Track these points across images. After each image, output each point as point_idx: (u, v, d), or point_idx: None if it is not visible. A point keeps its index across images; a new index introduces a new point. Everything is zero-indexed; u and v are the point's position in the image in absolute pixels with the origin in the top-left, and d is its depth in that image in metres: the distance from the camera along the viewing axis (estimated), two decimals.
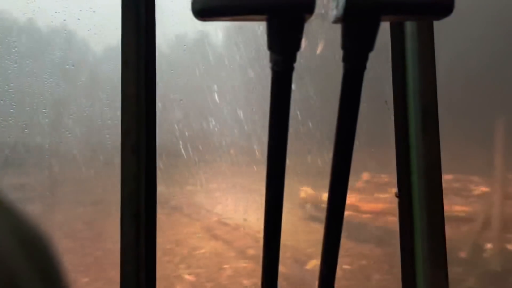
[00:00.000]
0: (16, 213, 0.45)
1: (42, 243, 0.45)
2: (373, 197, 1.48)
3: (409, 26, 1.20)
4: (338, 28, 0.59)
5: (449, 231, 1.18)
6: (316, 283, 0.72)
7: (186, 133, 1.38)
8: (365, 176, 1.45)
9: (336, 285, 0.71)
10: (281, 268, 0.72)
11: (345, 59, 0.59)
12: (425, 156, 1.18)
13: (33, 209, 1.35)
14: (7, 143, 1.33)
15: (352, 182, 0.71)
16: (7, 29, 1.38)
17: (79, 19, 1.36)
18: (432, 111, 1.18)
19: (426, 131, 1.18)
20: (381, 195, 1.46)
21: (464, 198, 1.53)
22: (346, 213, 0.67)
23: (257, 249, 1.44)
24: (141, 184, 1.14)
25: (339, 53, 0.60)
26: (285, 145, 0.63)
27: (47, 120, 1.35)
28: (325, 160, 1.36)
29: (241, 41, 1.42)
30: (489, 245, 1.53)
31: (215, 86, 1.40)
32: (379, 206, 1.49)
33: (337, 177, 0.65)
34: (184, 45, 1.41)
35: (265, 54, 0.60)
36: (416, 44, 1.18)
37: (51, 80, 1.36)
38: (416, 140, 1.19)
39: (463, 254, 1.51)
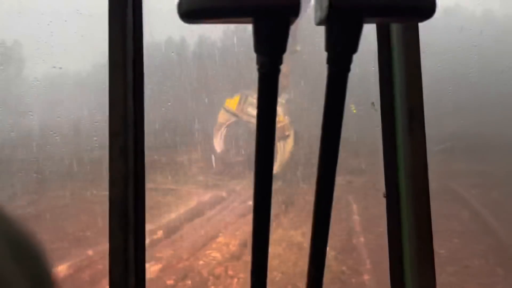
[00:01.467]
0: (6, 218, 0.45)
1: (31, 246, 0.45)
2: None
3: (395, 28, 1.21)
4: None
5: None
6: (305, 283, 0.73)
7: None
8: None
9: None
10: None
11: (329, 61, 0.60)
12: (412, 157, 1.19)
13: (20, 209, 1.35)
14: None
15: None
16: None
17: (66, 20, 1.35)
18: (418, 112, 1.19)
19: (413, 132, 1.19)
20: None
21: None
22: None
23: None
24: (129, 185, 1.13)
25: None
26: (272, 143, 0.64)
27: (34, 122, 1.34)
28: None
29: None
30: None
31: None
32: None
33: (323, 178, 0.65)
34: None
35: None
36: (402, 45, 1.19)
37: (37, 82, 1.35)
38: (403, 141, 1.20)
39: None
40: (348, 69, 0.59)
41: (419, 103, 1.19)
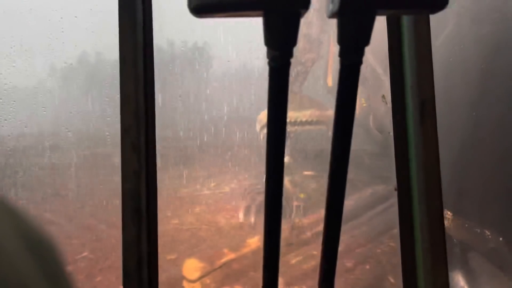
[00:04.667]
0: (21, 215, 0.45)
1: (47, 245, 0.46)
2: None
3: (406, 20, 1.20)
4: None
5: None
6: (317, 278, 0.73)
7: None
8: None
9: None
10: None
11: (342, 53, 0.60)
12: (424, 150, 1.18)
13: (33, 207, 1.37)
14: (7, 141, 1.34)
15: None
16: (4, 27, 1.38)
17: (76, 17, 1.36)
18: (429, 105, 1.18)
19: (424, 125, 1.18)
20: None
21: None
22: None
23: None
24: (141, 181, 1.14)
25: None
26: (283, 139, 0.64)
27: (46, 118, 1.35)
28: None
29: None
30: None
31: None
32: None
33: (335, 170, 0.66)
34: None
35: None
36: (413, 38, 1.18)
37: (49, 78, 1.36)
38: (414, 134, 1.20)
39: None
40: (360, 62, 0.59)
41: (430, 96, 1.18)
